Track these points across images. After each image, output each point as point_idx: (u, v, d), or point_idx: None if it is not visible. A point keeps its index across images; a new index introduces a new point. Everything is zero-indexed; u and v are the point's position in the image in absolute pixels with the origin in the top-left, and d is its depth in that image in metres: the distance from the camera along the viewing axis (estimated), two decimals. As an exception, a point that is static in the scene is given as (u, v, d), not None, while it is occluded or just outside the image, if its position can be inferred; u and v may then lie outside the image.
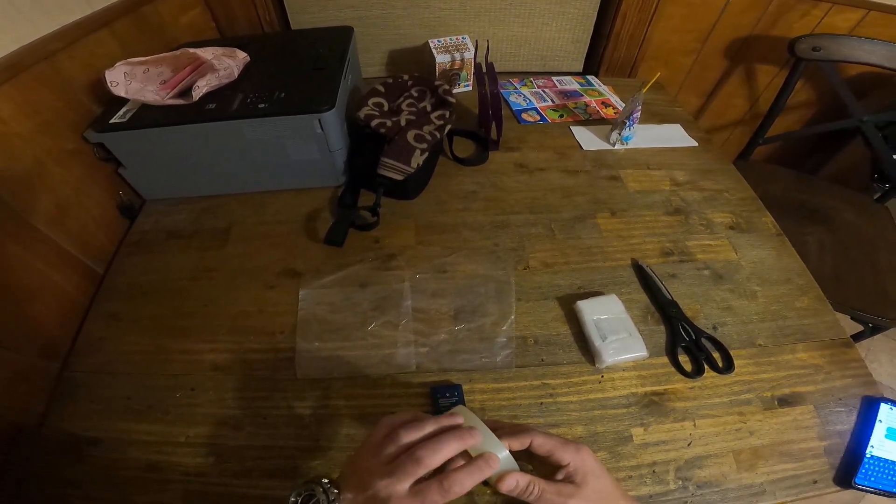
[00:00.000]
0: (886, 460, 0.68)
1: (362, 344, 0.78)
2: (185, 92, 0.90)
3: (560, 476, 0.49)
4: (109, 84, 0.84)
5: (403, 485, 0.42)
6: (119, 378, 0.75)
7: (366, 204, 0.96)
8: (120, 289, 0.87)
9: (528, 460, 0.50)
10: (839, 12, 1.39)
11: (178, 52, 0.92)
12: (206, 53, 0.91)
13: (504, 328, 0.79)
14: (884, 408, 0.72)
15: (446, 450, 0.45)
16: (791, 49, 1.35)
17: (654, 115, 1.28)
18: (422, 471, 0.43)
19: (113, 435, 0.69)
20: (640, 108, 1.09)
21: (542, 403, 0.71)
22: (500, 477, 0.47)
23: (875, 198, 1.51)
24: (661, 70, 1.17)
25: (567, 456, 0.49)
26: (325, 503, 0.43)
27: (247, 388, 0.73)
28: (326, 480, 0.46)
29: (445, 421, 0.49)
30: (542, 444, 0.49)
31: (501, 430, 0.51)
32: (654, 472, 0.66)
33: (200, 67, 0.92)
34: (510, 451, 0.49)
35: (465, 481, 0.44)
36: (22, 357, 0.72)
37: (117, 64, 0.86)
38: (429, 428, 0.47)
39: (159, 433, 0.68)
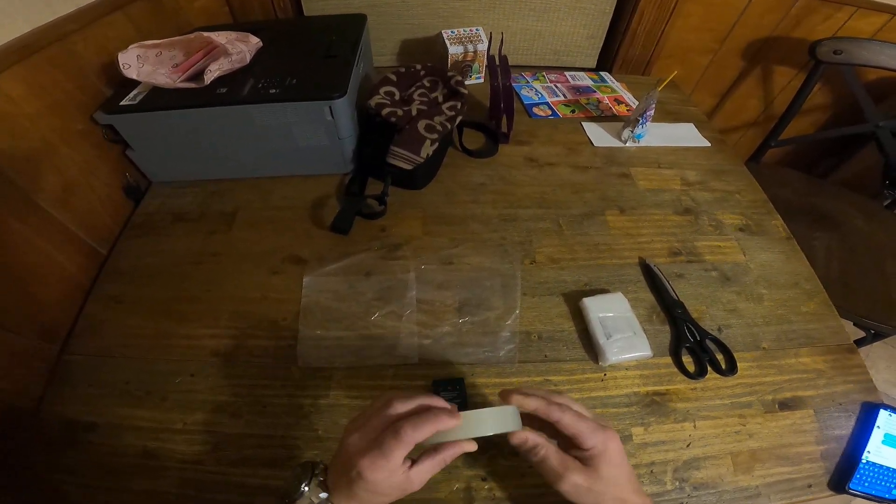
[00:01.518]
0: (882, 466, 0.68)
1: (365, 334, 0.77)
2: (197, 76, 0.90)
3: (575, 452, 0.50)
4: (122, 66, 0.84)
5: (388, 461, 0.43)
6: (118, 362, 0.74)
7: (373, 192, 0.96)
8: (123, 271, 0.87)
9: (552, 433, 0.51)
10: (863, 16, 1.37)
11: (191, 36, 0.91)
12: (220, 38, 0.91)
13: (508, 323, 0.79)
14: (883, 414, 0.72)
15: (427, 427, 0.44)
16: (812, 51, 1.34)
17: (668, 114, 1.27)
18: (402, 446, 0.43)
19: (110, 420, 0.68)
20: (654, 105, 1.08)
21: (543, 399, 0.71)
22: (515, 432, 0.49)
23: (885, 204, 1.50)
24: (677, 69, 1.16)
25: (590, 441, 0.49)
26: (311, 478, 0.47)
27: (247, 376, 0.73)
28: (319, 461, 0.48)
29: (436, 402, 0.49)
30: (569, 424, 0.49)
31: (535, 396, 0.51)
32: (651, 471, 0.66)
33: (213, 51, 0.92)
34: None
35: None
36: (21, 339, 0.71)
37: (130, 47, 0.85)
38: (419, 401, 0.48)
39: (157, 419, 0.68)
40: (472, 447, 0.48)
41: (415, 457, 0.48)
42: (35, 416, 0.69)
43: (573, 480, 0.48)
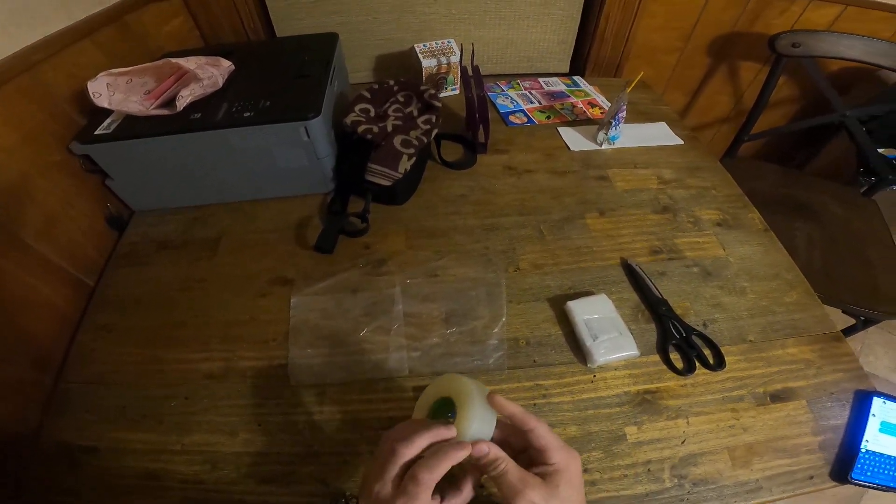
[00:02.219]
0: (882, 454, 0.68)
1: (355, 349, 0.77)
2: (170, 102, 0.90)
3: (537, 470, 0.50)
4: (92, 95, 0.84)
5: (422, 498, 0.45)
6: (113, 388, 0.75)
7: (355, 210, 0.96)
8: (111, 300, 0.87)
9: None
10: (817, 8, 1.41)
11: (160, 63, 0.91)
12: (189, 63, 0.91)
13: (495, 330, 0.79)
14: (876, 402, 0.72)
15: (442, 466, 0.46)
16: (771, 46, 1.37)
17: (641, 115, 1.29)
18: (424, 491, 0.45)
19: (109, 444, 0.69)
20: (625, 107, 1.09)
21: (535, 404, 0.72)
22: (476, 441, 0.48)
23: (862, 191, 1.52)
24: (646, 69, 1.18)
25: (556, 456, 0.49)
26: None
27: (241, 396, 0.73)
28: (350, 494, 0.50)
29: (437, 434, 0.49)
30: (542, 435, 0.49)
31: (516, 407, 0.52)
32: (649, 470, 0.66)
33: (184, 77, 0.92)
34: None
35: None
36: (15, 369, 0.72)
37: (99, 75, 0.85)
38: (423, 443, 0.48)
39: (155, 441, 0.69)
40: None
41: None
42: (35, 442, 0.70)
43: (530, 497, 0.47)
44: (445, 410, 0.53)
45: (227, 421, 0.70)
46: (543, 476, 0.49)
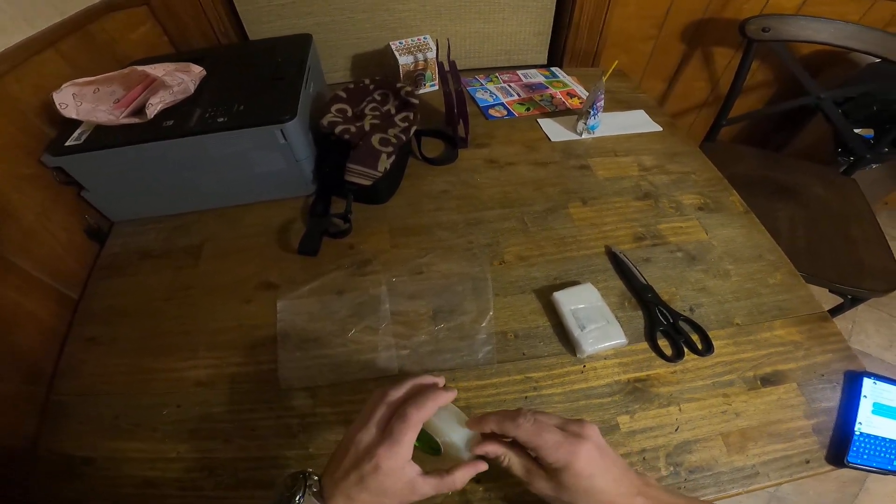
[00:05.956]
0: (876, 437, 0.67)
1: (343, 351, 0.77)
2: (140, 110, 0.88)
3: (542, 462, 0.50)
4: (59, 106, 0.82)
5: (401, 447, 0.46)
6: (104, 399, 0.74)
7: (338, 211, 0.95)
8: (96, 312, 0.86)
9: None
10: (784, -9, 1.41)
11: (126, 71, 0.90)
12: (157, 70, 0.89)
13: (483, 325, 0.79)
14: (867, 382, 0.71)
15: (429, 405, 0.48)
16: (742, 31, 1.37)
17: (619, 103, 1.29)
18: (411, 429, 0.46)
19: (105, 454, 0.69)
20: (602, 96, 1.10)
21: (526, 397, 0.71)
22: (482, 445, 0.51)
23: (841, 171, 1.54)
24: (622, 57, 1.18)
25: (551, 457, 0.48)
26: (305, 489, 0.45)
27: (233, 402, 0.72)
28: (310, 471, 0.48)
29: (426, 380, 0.53)
30: (527, 440, 0.49)
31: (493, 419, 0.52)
32: (644, 459, 0.66)
33: (152, 85, 0.90)
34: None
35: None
36: (5, 384, 0.71)
37: (64, 85, 0.83)
38: (409, 384, 0.52)
39: (151, 450, 0.68)
40: (483, 467, 0.52)
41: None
42: (32, 455, 0.69)
43: (538, 486, 0.50)
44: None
45: (222, 427, 0.70)
46: (549, 472, 0.49)
